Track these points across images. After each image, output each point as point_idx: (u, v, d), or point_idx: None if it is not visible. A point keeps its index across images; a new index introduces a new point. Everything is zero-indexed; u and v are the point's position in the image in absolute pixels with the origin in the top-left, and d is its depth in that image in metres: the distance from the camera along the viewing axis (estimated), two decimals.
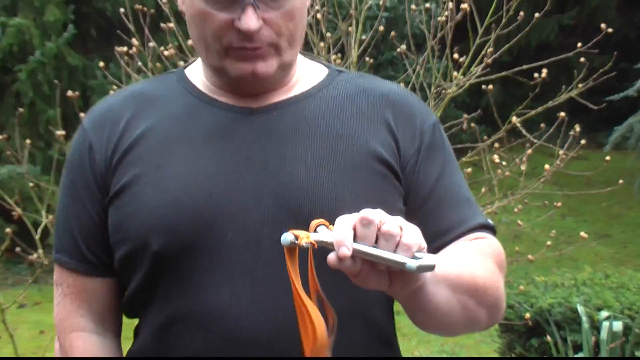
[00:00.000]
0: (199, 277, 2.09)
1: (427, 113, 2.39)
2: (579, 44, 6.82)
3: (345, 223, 1.77)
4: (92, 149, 2.23)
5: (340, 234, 1.75)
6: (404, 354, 7.49)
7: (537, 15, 6.56)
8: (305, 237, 1.84)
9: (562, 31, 15.73)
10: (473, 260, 2.20)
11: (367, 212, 1.78)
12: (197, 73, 2.35)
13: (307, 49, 6.80)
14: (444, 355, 10.17)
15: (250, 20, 2.08)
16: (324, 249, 1.80)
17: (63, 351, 2.30)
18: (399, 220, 1.80)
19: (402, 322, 7.29)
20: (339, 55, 6.76)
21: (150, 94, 2.32)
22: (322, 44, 6.62)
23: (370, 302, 2.24)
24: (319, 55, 6.59)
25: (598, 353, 6.53)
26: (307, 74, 2.36)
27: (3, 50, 12.17)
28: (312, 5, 6.69)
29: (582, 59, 6.60)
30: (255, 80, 2.18)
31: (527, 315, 6.89)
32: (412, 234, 1.79)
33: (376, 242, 1.76)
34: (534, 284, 7.58)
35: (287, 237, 1.85)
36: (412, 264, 1.75)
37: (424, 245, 1.80)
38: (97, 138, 2.24)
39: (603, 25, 6.87)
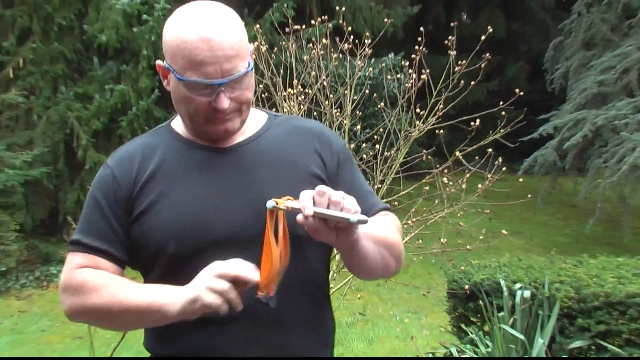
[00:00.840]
0: (201, 269, 2.44)
1: (338, 139, 2.96)
2: (501, 103, 8.01)
3: (308, 194, 2.37)
4: (116, 179, 2.69)
5: (305, 201, 2.35)
6: (382, 314, 9.36)
7: (472, 83, 7.83)
8: (282, 203, 2.42)
9: (489, 94, 17.31)
10: (385, 227, 2.80)
11: (322, 187, 2.37)
12: (179, 125, 2.85)
13: (317, 105, 7.98)
14: (409, 313, 11.18)
15: (222, 102, 2.60)
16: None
17: (74, 286, 2.59)
18: (342, 193, 2.37)
19: (382, 291, 9.52)
20: (338, 110, 7.87)
21: (151, 144, 2.78)
22: (327, 102, 7.71)
23: (314, 270, 2.78)
24: (324, 110, 7.80)
25: (514, 312, 7.33)
26: (253, 120, 2.87)
27: (111, 106, 13.48)
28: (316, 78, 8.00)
29: (502, 113, 7.81)
30: (226, 135, 2.72)
31: (466, 286, 7.74)
32: (351, 201, 2.37)
33: (327, 207, 2.34)
34: (471, 265, 8.36)
35: (270, 202, 2.43)
36: (353, 218, 2.34)
37: (359, 209, 2.35)
38: (119, 173, 2.69)
39: (517, 90, 7.98)
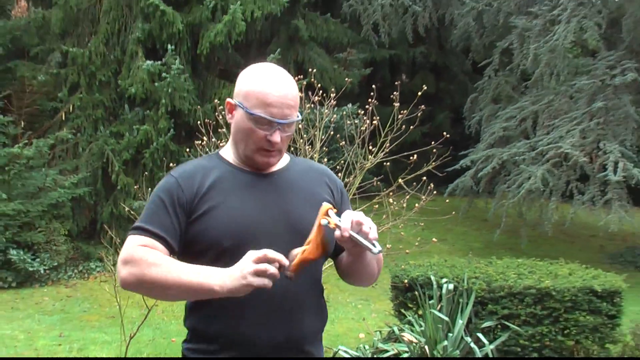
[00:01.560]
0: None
1: (338, 179, 2.98)
2: (433, 142, 8.21)
3: (349, 217, 2.47)
4: (180, 187, 2.66)
5: (346, 223, 2.45)
6: (341, 301, 9.30)
7: (411, 127, 7.93)
8: (332, 211, 2.51)
9: (422, 135, 17.45)
10: None
11: (361, 217, 2.48)
12: (227, 153, 2.82)
13: (293, 142, 7.83)
14: (362, 301, 11.33)
15: (276, 137, 2.64)
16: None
17: (135, 259, 2.51)
18: (371, 223, 2.47)
19: (341, 284, 9.54)
20: (310, 146, 7.90)
21: (207, 166, 2.75)
22: (301, 140, 7.74)
23: (318, 269, 2.77)
24: (299, 147, 7.78)
25: (441, 300, 7.47)
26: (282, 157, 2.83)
27: (137, 142, 13.53)
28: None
29: (434, 150, 8.00)
30: (267, 166, 2.74)
31: (405, 281, 7.95)
32: (374, 231, 2.46)
33: (358, 233, 2.45)
34: (409, 265, 8.58)
35: (327, 205, 2.54)
36: (375, 250, 2.44)
37: (377, 237, 2.45)
38: (184, 183, 2.67)
39: (444, 133, 8.30)
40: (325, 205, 2.54)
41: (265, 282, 2.38)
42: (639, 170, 13.01)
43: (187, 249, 2.66)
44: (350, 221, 2.46)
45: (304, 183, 2.82)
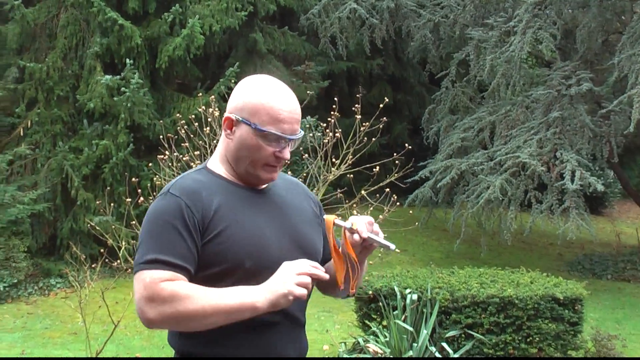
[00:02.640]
0: (262, 281, 2.44)
1: (310, 191, 2.98)
2: (394, 154, 8.36)
3: (362, 221, 2.55)
4: (188, 207, 2.48)
5: (361, 226, 2.53)
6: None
7: (373, 139, 8.10)
8: (337, 219, 2.58)
9: (382, 147, 17.53)
10: None
11: (369, 217, 2.58)
12: (217, 167, 2.67)
13: None
14: (324, 312, 11.20)
15: (286, 153, 2.58)
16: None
17: (164, 296, 2.36)
18: (377, 225, 2.58)
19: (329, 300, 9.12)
20: None
21: (204, 181, 2.60)
22: None
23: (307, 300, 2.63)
24: None
25: (405, 311, 7.57)
26: None
27: (97, 157, 13.45)
28: None
29: (396, 162, 8.08)
30: (269, 181, 2.68)
31: (370, 292, 7.98)
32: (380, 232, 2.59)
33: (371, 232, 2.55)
34: (372, 276, 8.52)
35: (328, 217, 2.62)
36: (392, 246, 2.57)
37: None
38: (191, 203, 2.49)
39: (406, 144, 8.35)
40: (329, 217, 2.60)
41: (305, 292, 2.39)
42: (596, 178, 13.19)
43: (203, 271, 2.51)
44: (364, 224, 2.54)
45: (292, 198, 2.77)
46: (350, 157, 7.99)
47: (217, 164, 2.68)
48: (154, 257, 2.43)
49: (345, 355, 7.76)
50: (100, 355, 7.59)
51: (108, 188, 12.33)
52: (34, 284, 13.08)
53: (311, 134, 8.74)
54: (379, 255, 8.59)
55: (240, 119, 2.58)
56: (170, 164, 7.90)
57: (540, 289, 7.76)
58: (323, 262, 2.75)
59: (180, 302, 2.37)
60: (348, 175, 8.09)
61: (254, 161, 2.58)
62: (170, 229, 2.47)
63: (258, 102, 2.57)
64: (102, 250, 8.10)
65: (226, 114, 2.64)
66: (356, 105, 8.10)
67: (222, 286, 2.43)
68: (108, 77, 13.46)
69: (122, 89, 13.36)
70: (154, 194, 7.71)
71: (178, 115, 9.88)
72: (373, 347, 7.56)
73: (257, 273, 2.47)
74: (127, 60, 13.63)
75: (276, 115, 2.55)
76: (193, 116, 8.70)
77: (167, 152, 7.91)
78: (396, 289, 7.89)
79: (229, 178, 2.65)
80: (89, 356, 7.75)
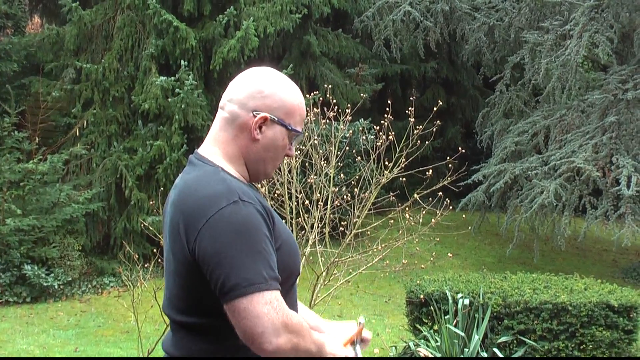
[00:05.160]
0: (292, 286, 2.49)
1: None
2: (448, 157, 8.26)
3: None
4: (265, 214, 2.34)
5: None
6: (355, 317, 9.30)
7: (426, 142, 8.12)
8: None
9: (435, 150, 17.51)
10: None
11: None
12: (228, 169, 2.43)
13: (309, 158, 8.03)
14: (375, 316, 11.11)
15: (293, 152, 2.54)
16: None
17: (293, 326, 2.23)
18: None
19: (354, 299, 9.21)
20: (325, 162, 7.95)
21: (241, 183, 2.41)
22: (316, 155, 7.83)
23: None
24: (314, 162, 7.89)
25: (457, 315, 7.53)
26: None
27: (151, 157, 13.58)
28: (309, 137, 8.09)
29: (450, 165, 8.03)
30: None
31: (422, 295, 7.96)
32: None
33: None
34: (424, 280, 8.60)
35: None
36: None
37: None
38: (262, 209, 2.35)
39: (460, 148, 8.52)
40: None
41: None
42: None
43: None
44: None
45: None
46: (403, 160, 7.95)
47: (225, 164, 2.45)
48: (270, 275, 2.25)
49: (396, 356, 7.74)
50: (151, 355, 7.65)
51: (162, 189, 12.40)
52: (88, 283, 13.24)
53: (364, 137, 8.72)
54: (431, 259, 8.50)
55: (276, 119, 2.44)
56: None
57: (594, 296, 7.68)
58: None
59: (304, 337, 2.29)
60: (401, 179, 8.07)
61: (276, 161, 2.51)
62: (266, 240, 2.28)
63: (292, 102, 2.48)
64: (154, 250, 8.16)
65: (261, 113, 2.44)
66: (410, 108, 8.08)
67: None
68: (163, 78, 13.58)
69: (177, 90, 13.47)
70: None
71: None
72: (424, 351, 7.53)
73: (295, 282, 2.47)
74: (182, 62, 13.74)
75: (303, 115, 2.52)
76: None
77: None
78: (448, 293, 7.87)
79: (243, 180, 2.47)
80: (141, 356, 7.80)
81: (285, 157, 2.55)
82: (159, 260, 7.84)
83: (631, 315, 7.75)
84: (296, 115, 2.48)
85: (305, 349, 2.28)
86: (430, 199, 8.04)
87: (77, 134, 14.45)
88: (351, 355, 2.54)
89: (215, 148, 2.47)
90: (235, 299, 2.19)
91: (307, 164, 8.13)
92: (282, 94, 2.46)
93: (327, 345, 2.40)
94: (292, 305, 2.44)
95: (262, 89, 2.46)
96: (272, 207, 6.47)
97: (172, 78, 13.76)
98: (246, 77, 2.51)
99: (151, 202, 11.74)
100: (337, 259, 7.70)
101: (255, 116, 2.42)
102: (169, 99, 13.58)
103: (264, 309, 2.17)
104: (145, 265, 8.45)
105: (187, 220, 2.29)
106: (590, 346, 7.49)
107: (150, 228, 8.46)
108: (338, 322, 2.73)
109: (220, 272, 2.21)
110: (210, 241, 2.23)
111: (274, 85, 2.47)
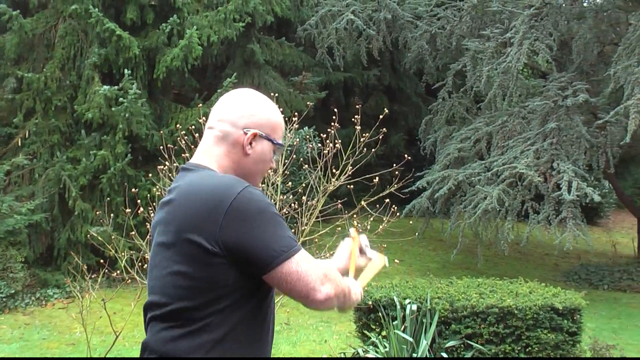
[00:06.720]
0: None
1: None
2: (393, 164, 8.32)
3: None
4: None
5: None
6: (302, 324, 9.32)
7: (372, 149, 8.10)
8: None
9: (378, 157, 17.45)
10: None
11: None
12: None
13: None
14: (322, 323, 11.24)
15: (274, 163, 2.71)
16: None
17: (333, 275, 2.48)
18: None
19: (301, 306, 9.31)
20: (273, 170, 8.24)
21: None
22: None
23: None
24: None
25: (405, 321, 7.53)
26: None
27: (94, 167, 13.44)
28: None
29: (396, 172, 8.00)
30: None
31: (370, 302, 7.90)
32: None
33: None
34: (371, 286, 8.41)
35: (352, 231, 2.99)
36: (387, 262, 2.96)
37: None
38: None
39: (405, 155, 8.47)
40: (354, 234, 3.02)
41: None
42: (592, 189, 13.22)
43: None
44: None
45: None
46: (350, 167, 7.95)
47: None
48: (294, 237, 2.48)
49: None
50: None
51: (108, 198, 12.29)
52: (31, 295, 13.05)
53: (309, 145, 8.72)
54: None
55: (264, 135, 2.62)
56: (170, 174, 7.87)
57: (539, 299, 7.77)
58: None
59: (339, 279, 2.53)
60: (347, 186, 8.06)
61: (263, 173, 2.70)
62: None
63: (276, 119, 2.68)
64: (100, 260, 8.09)
65: (252, 130, 2.61)
66: (356, 116, 8.10)
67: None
68: (106, 87, 13.48)
69: (120, 99, 13.38)
70: (153, 204, 7.72)
71: (178, 126, 9.87)
72: (372, 357, 7.55)
73: None
74: (125, 71, 13.65)
75: (283, 130, 2.73)
76: (192, 127, 8.67)
77: (167, 163, 7.86)
78: (395, 299, 7.87)
79: None
80: None
81: (269, 169, 2.76)
82: (107, 271, 7.84)
83: (575, 318, 7.86)
84: (279, 130, 2.69)
85: (342, 291, 2.52)
86: (378, 205, 8.04)
87: (19, 144, 14.25)
88: (373, 259, 3.00)
89: (208, 160, 2.62)
90: (279, 265, 2.38)
91: None
92: (268, 113, 2.67)
93: (352, 283, 2.66)
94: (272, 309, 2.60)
95: (250, 108, 2.66)
96: None
97: (116, 87, 13.68)
98: (234, 99, 2.71)
99: (97, 212, 11.60)
100: None
101: (246, 133, 2.61)
102: (113, 108, 13.47)
103: (308, 266, 2.42)
104: (93, 276, 8.37)
105: (202, 213, 2.40)
106: (536, 348, 7.57)
107: (100, 238, 8.30)
108: (340, 251, 2.99)
109: (258, 248, 2.38)
110: (239, 225, 2.37)
111: (260, 106, 2.68)
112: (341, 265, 2.88)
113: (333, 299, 2.47)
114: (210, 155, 2.62)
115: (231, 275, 2.40)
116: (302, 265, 2.41)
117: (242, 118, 2.63)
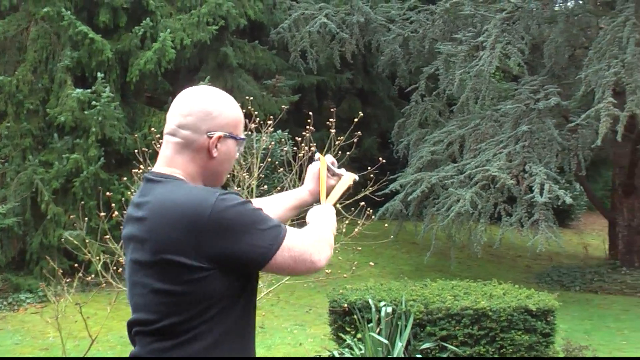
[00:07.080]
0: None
1: None
2: (367, 167, 7.93)
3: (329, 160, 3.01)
4: None
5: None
6: (277, 327, 9.27)
7: (347, 153, 7.98)
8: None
9: (351, 160, 17.61)
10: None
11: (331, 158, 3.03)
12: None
13: (232, 170, 8.50)
14: (297, 326, 11.15)
15: (237, 155, 2.66)
16: None
17: (318, 234, 2.53)
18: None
19: (275, 310, 9.51)
20: (248, 173, 7.93)
21: None
22: (239, 167, 7.81)
23: None
24: (237, 175, 7.92)
25: (380, 323, 7.58)
26: None
27: (67, 171, 13.39)
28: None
29: (371, 175, 7.84)
30: None
31: (345, 305, 7.97)
32: None
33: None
34: (346, 289, 8.66)
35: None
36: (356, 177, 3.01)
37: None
38: None
39: (379, 158, 8.53)
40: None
41: None
42: (564, 191, 13.32)
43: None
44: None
45: None
46: None
47: (188, 181, 2.55)
48: (278, 223, 2.43)
49: None
50: None
51: (82, 202, 12.21)
52: (3, 299, 12.95)
53: (283, 148, 8.71)
54: (353, 268, 8.54)
55: (227, 134, 2.54)
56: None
57: (513, 301, 7.84)
58: None
59: (324, 232, 2.56)
60: None
61: (229, 170, 2.67)
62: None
63: (236, 115, 2.59)
64: (74, 264, 8.06)
65: (216, 133, 2.53)
66: (330, 120, 8.14)
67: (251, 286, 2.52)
68: (79, 90, 13.43)
69: (93, 102, 13.32)
70: (127, 207, 7.68)
71: (152, 129, 9.83)
72: (351, 358, 7.57)
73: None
74: (98, 74, 13.60)
75: (243, 123, 2.65)
76: None
77: (141, 166, 7.86)
78: (370, 301, 7.91)
79: None
80: None
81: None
82: (82, 275, 7.80)
83: (548, 319, 7.94)
84: (240, 125, 2.61)
85: (331, 238, 2.58)
86: (353, 209, 8.06)
87: None
88: (342, 177, 3.02)
89: (173, 169, 2.53)
90: (272, 258, 2.38)
91: (229, 176, 8.09)
92: (227, 111, 2.57)
93: (326, 216, 2.72)
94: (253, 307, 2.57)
95: (210, 110, 2.54)
96: None
97: (89, 90, 13.62)
98: (189, 101, 2.57)
99: (70, 216, 11.52)
100: None
101: (210, 137, 2.52)
102: (86, 112, 13.41)
103: (299, 244, 2.42)
104: (68, 280, 8.31)
105: (179, 233, 2.33)
106: (510, 350, 7.64)
107: (75, 242, 8.26)
108: (309, 175, 3.05)
109: (247, 252, 2.36)
110: (221, 236, 2.33)
111: (219, 105, 2.56)
112: (312, 188, 3.00)
113: (330, 254, 2.54)
114: (174, 164, 2.53)
115: (220, 284, 2.37)
116: (293, 248, 2.41)
117: (204, 122, 2.53)
